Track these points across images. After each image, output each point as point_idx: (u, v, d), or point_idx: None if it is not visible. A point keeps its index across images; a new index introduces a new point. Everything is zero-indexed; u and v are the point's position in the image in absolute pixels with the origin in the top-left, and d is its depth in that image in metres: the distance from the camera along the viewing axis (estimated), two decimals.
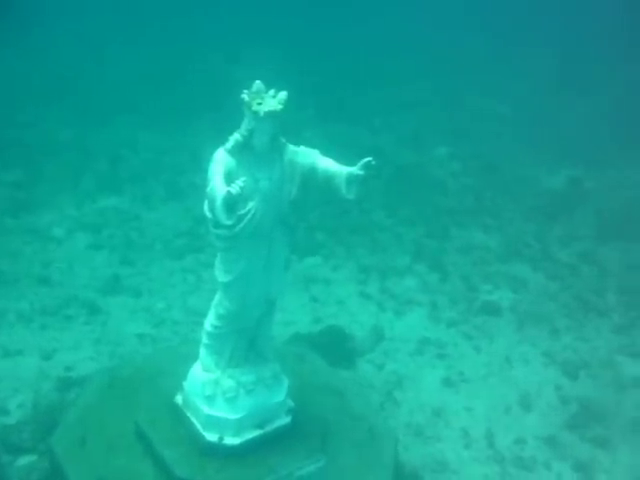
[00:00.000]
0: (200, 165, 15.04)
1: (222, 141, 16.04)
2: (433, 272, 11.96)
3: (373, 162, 6.02)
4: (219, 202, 5.54)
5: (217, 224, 6.09)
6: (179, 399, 7.16)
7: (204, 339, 6.92)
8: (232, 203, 5.58)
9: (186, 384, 7.07)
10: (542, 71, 21.66)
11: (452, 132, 16.85)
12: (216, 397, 6.81)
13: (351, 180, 6.14)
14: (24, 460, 7.57)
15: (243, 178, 5.55)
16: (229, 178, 5.85)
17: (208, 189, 5.79)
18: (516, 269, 12.19)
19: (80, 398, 7.85)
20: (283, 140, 6.22)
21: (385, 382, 9.52)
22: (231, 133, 6.13)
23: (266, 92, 5.91)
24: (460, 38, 23.36)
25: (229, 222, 5.67)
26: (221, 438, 6.74)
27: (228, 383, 6.79)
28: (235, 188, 5.43)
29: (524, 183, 15.17)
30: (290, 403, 7.18)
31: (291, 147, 6.29)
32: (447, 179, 14.82)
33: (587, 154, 16.47)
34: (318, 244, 12.31)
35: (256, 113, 5.78)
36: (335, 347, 9.63)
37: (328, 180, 6.26)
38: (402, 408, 9.08)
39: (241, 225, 5.86)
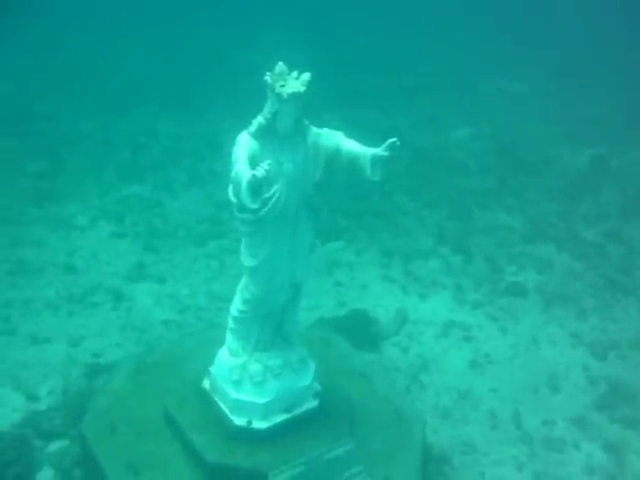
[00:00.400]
0: (220, 151, 15.20)
1: (240, 127, 16.00)
2: (457, 254, 11.87)
3: (397, 143, 5.96)
4: (244, 186, 5.51)
5: (242, 208, 6.06)
6: (206, 384, 7.20)
7: (230, 323, 6.92)
8: (257, 186, 5.56)
9: (213, 369, 7.09)
10: (557, 51, 21.35)
11: (470, 113, 16.66)
12: (243, 381, 6.82)
13: (376, 161, 6.08)
14: (55, 445, 7.64)
15: (268, 161, 5.51)
16: (253, 162, 5.82)
17: (233, 173, 5.76)
18: (541, 250, 12.06)
19: (108, 384, 7.90)
20: (306, 122, 6.17)
21: (410, 365, 9.48)
22: (249, 119, 6.10)
23: (289, 74, 5.86)
24: (472, 19, 23.08)
25: (254, 206, 5.64)
26: (249, 422, 6.76)
27: (255, 367, 6.80)
28: (260, 171, 5.40)
29: (546, 163, 14.99)
30: (317, 387, 7.18)
31: (314, 129, 6.24)
32: (468, 160, 14.68)
33: (609, 133, 16.26)
34: (341, 228, 12.26)
35: (279, 95, 5.74)
36: (360, 331, 9.60)
37: (352, 162, 6.21)
38: (428, 391, 9.04)
39: (266, 209, 5.83)
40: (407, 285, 11.07)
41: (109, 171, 13.90)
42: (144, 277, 10.80)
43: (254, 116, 5.93)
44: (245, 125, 6.13)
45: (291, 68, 5.90)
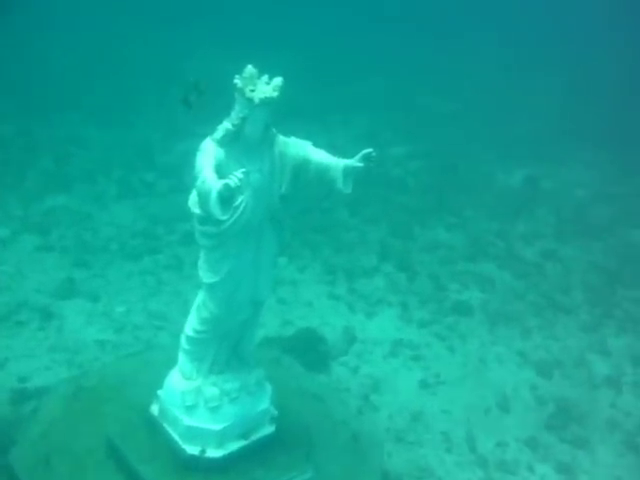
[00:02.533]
0: (152, 162, 14.50)
1: (172, 138, 15.44)
2: (401, 272, 11.70)
3: (374, 153, 5.69)
4: (214, 196, 5.08)
5: (204, 220, 5.64)
6: (154, 409, 6.68)
7: (184, 344, 6.43)
8: (228, 197, 5.14)
9: (163, 393, 6.58)
10: (489, 70, 21.82)
11: (406, 131, 16.69)
12: (198, 407, 6.36)
13: (348, 173, 5.80)
14: None
15: (242, 169, 5.11)
16: (218, 170, 5.41)
17: (198, 182, 5.31)
18: (482, 268, 12.07)
19: (40, 411, 7.22)
20: (274, 130, 5.81)
21: (361, 385, 9.20)
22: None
23: (259, 78, 5.49)
24: (406, 38, 23.35)
25: (224, 217, 5.21)
26: (203, 451, 6.32)
27: (211, 391, 6.35)
28: (234, 180, 4.99)
29: (482, 181, 15.15)
30: (274, 411, 6.80)
31: (281, 138, 5.90)
32: (407, 178, 14.62)
33: (539, 153, 16.65)
34: None
35: (250, 100, 5.36)
36: (309, 350, 9.27)
37: (322, 173, 5.89)
38: (381, 412, 8.77)
39: (230, 221, 5.41)
40: (353, 303, 10.80)
41: (32, 180, 13.02)
42: (74, 294, 10.07)
43: (225, 119, 5.50)
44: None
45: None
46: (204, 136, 5.86)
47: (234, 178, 4.99)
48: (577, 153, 16.85)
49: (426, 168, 15.03)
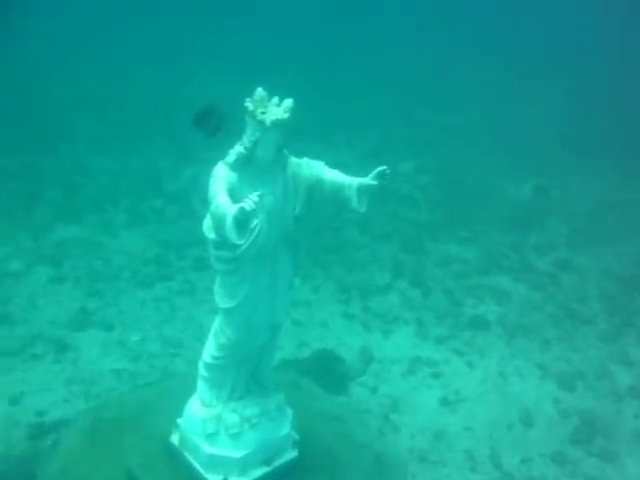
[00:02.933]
0: (160, 188, 14.49)
1: (180, 163, 15.39)
2: (415, 288, 11.61)
3: (388, 171, 5.65)
4: (229, 220, 5.03)
5: (219, 245, 5.59)
6: (175, 439, 6.60)
7: (202, 371, 6.35)
8: (244, 221, 5.08)
9: (182, 422, 6.50)
10: (490, 83, 21.85)
11: (413, 146, 16.66)
12: (219, 434, 6.28)
13: (362, 191, 5.75)
14: None
15: (257, 192, 5.06)
16: (231, 195, 5.36)
17: (212, 207, 5.26)
18: (497, 281, 11.96)
19: (59, 445, 7.15)
20: (286, 152, 5.77)
21: (380, 405, 9.07)
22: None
23: (269, 100, 5.46)
24: (406, 53, 23.47)
25: (241, 242, 5.15)
26: (226, 479, 6.19)
27: (231, 418, 6.26)
28: (249, 204, 4.94)
29: (492, 194, 15.07)
30: (295, 435, 6.70)
31: (294, 159, 5.87)
32: (416, 193, 14.56)
33: (546, 163, 16.56)
34: None
35: (262, 123, 5.32)
36: (326, 372, 9.16)
37: (336, 193, 5.85)
38: (402, 432, 8.63)
39: (246, 245, 5.35)
40: (368, 321, 10.69)
41: (42, 212, 12.99)
42: (89, 324, 9.99)
43: (237, 143, 5.46)
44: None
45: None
46: (210, 161, 5.84)
47: (249, 202, 4.94)
48: (582, 161, 16.76)
49: (434, 183, 14.97)
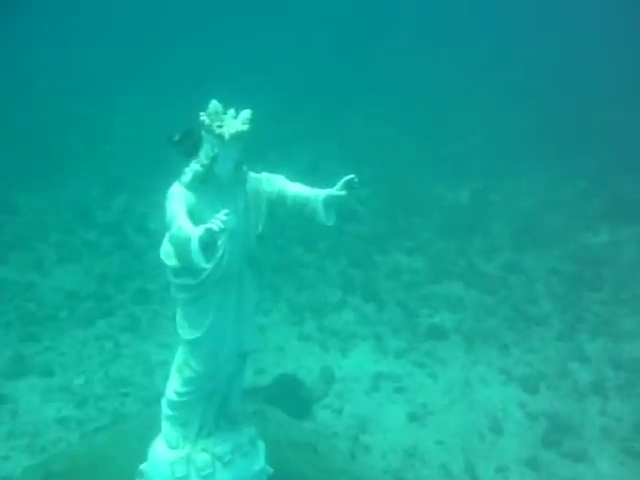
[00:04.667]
0: (91, 220, 13.73)
1: (108, 193, 14.58)
2: (368, 302, 11.34)
3: (356, 179, 5.35)
4: (195, 244, 4.58)
5: (179, 272, 5.14)
6: None
7: (166, 410, 5.84)
8: (210, 243, 4.65)
9: (147, 467, 5.94)
10: (416, 91, 21.96)
11: (349, 160, 16.42)
12: (189, 477, 5.76)
13: (330, 203, 5.44)
14: None
15: (225, 210, 4.62)
16: (190, 216, 4.93)
17: (173, 231, 4.80)
18: (449, 288, 11.83)
19: None
20: (244, 168, 5.39)
21: (348, 427, 8.74)
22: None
23: (225, 112, 5.07)
24: (336, 68, 23.48)
25: (208, 266, 4.72)
26: None
27: (202, 458, 5.76)
28: (217, 223, 4.50)
29: (431, 201, 15.02)
30: (269, 469, 6.23)
31: (253, 174, 5.49)
32: (356, 206, 14.34)
33: (480, 168, 16.64)
34: None
35: (220, 137, 4.91)
36: (289, 398, 8.75)
37: (300, 207, 5.51)
38: (373, 453, 8.32)
39: (210, 269, 4.93)
40: (325, 341, 10.35)
41: None
42: (26, 371, 9.23)
43: (192, 161, 5.02)
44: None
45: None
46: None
47: (216, 221, 4.51)
48: (516, 164, 16.93)
49: (374, 195, 14.78)
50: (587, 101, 20.84)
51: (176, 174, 5.46)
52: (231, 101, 5.10)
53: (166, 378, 9.13)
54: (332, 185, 5.61)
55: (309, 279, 11.92)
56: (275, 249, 12.17)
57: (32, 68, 22.63)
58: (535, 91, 21.62)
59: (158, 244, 13.05)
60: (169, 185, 5.39)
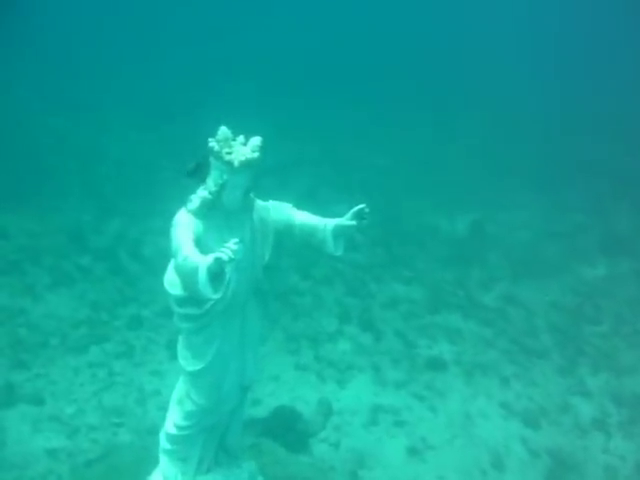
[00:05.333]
0: (84, 245, 13.50)
1: (101, 217, 14.26)
2: (365, 332, 11.14)
3: (367, 209, 5.26)
4: (203, 274, 4.43)
5: (183, 302, 4.99)
6: None
7: (165, 444, 5.65)
8: (219, 273, 4.50)
9: None
10: (409, 122, 22.04)
11: (345, 188, 16.40)
12: None
13: (339, 233, 5.34)
14: None
15: (235, 239, 4.48)
16: (197, 245, 4.79)
17: (179, 260, 4.65)
18: (447, 319, 11.67)
19: None
20: (252, 195, 5.27)
21: (345, 461, 8.51)
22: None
23: (234, 139, 4.96)
24: (331, 98, 23.57)
25: (217, 296, 4.56)
26: None
27: None
28: (227, 253, 4.36)
29: (428, 231, 14.92)
30: None
31: (260, 203, 5.36)
32: (353, 234, 14.15)
33: (477, 198, 16.61)
34: None
35: (229, 164, 4.79)
36: (286, 431, 8.52)
37: (308, 237, 5.40)
38: None
39: (214, 300, 4.77)
40: (322, 371, 10.12)
41: None
42: (15, 400, 8.89)
43: (200, 188, 4.90)
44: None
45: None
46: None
47: (226, 251, 4.36)
48: (511, 195, 16.95)
49: (371, 223, 14.54)
50: (584, 133, 21.00)
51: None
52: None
53: (159, 408, 9.11)
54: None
55: (305, 307, 11.71)
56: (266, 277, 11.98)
57: (23, 89, 22.49)
58: (530, 123, 21.75)
59: (152, 271, 12.91)
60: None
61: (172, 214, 5.20)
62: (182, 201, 5.33)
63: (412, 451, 8.75)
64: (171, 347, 10.06)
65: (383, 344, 10.91)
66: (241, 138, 4.98)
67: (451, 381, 10.14)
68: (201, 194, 4.92)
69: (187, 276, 4.59)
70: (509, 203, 16.57)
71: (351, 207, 5.45)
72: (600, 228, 15.23)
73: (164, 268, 5.24)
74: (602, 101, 24.23)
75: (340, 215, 5.54)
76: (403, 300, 12.18)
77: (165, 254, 13.46)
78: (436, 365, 10.40)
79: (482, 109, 22.37)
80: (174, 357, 9.65)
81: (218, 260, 4.36)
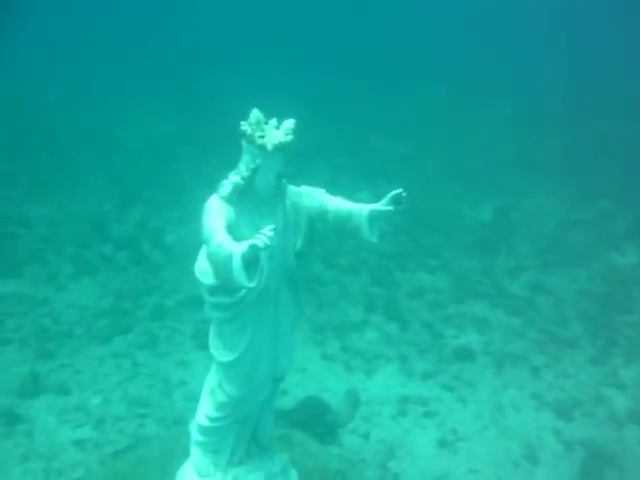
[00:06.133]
0: (106, 234, 13.43)
1: (123, 206, 14.13)
2: (391, 322, 10.97)
3: (404, 194, 5.06)
4: (237, 261, 4.26)
5: (215, 290, 4.83)
6: None
7: (197, 436, 5.50)
8: (254, 261, 4.34)
9: None
10: (434, 109, 21.78)
11: (366, 176, 16.18)
12: None
13: (375, 219, 5.15)
14: None
15: (271, 226, 4.31)
16: (229, 232, 4.62)
17: (212, 247, 4.47)
18: (474, 308, 11.45)
19: None
20: (284, 181, 5.09)
21: (376, 453, 8.34)
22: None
23: (266, 122, 4.78)
24: (352, 84, 23.35)
25: (252, 284, 4.39)
26: None
27: None
28: (262, 239, 4.19)
29: (452, 219, 14.68)
30: None
31: (293, 188, 5.18)
32: (390, 220, 13.94)
33: (501, 185, 16.39)
34: None
35: (262, 147, 4.62)
36: (315, 422, 8.39)
37: (342, 223, 5.21)
38: None
39: (250, 287, 4.60)
40: (349, 361, 9.97)
41: None
42: (42, 390, 8.86)
43: (231, 173, 4.73)
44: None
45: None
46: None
47: (262, 237, 4.19)
48: (535, 181, 16.62)
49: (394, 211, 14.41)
50: (608, 118, 20.59)
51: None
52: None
53: (186, 398, 9.01)
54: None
55: (330, 297, 11.55)
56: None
57: (42, 81, 22.53)
58: (553, 108, 21.38)
59: (175, 260, 12.78)
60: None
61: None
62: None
63: (442, 443, 8.56)
64: (197, 337, 9.99)
65: (409, 334, 10.73)
66: (274, 121, 4.80)
67: (480, 371, 9.94)
68: (233, 179, 4.75)
69: (221, 264, 4.42)
70: (533, 190, 16.25)
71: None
72: (627, 215, 14.86)
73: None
74: (628, 84, 23.75)
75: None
76: (429, 289, 11.98)
77: (186, 243, 13.43)
78: (464, 355, 10.20)
79: (506, 95, 22.09)
80: (200, 347, 9.84)
81: (253, 247, 4.19)
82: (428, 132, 19.59)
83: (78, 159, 16.60)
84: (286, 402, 8.76)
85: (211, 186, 6.62)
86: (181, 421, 8.44)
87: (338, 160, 16.87)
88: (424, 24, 31.97)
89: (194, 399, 8.63)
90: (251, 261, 4.33)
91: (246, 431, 5.58)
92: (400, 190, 5.06)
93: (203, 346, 9.94)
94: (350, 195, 5.53)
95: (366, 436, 8.61)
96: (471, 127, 19.75)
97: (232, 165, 5.13)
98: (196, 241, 4.83)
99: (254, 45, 27.25)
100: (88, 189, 15.07)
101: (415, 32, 30.34)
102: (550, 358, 10.31)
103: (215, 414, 5.32)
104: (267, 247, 4.20)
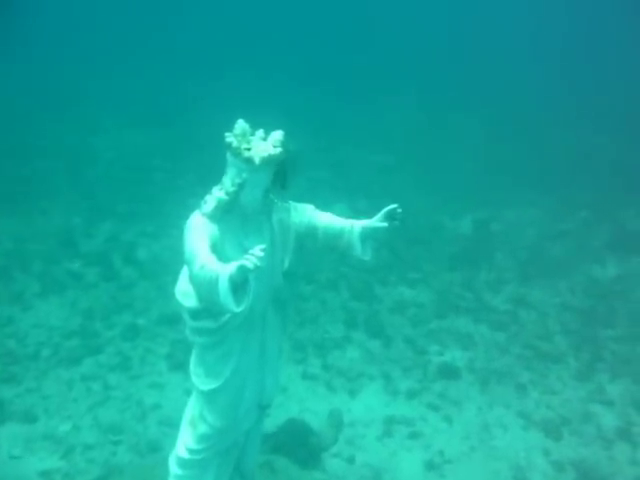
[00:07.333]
0: (75, 250, 12.89)
1: (92, 220, 13.61)
2: (373, 339, 10.62)
3: (399, 209, 4.77)
4: (224, 284, 3.91)
5: (197, 314, 4.48)
6: None
7: (176, 469, 5.13)
8: (241, 283, 3.99)
9: None
10: (409, 120, 21.62)
11: (344, 188, 15.93)
12: None
13: (367, 236, 4.85)
14: None
15: (262, 245, 3.97)
16: (213, 251, 4.28)
17: (195, 269, 4.12)
18: (457, 323, 11.15)
19: None
20: (271, 196, 4.77)
21: (361, 478, 7.99)
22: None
23: (252, 134, 4.46)
24: (328, 97, 23.16)
25: (239, 308, 4.05)
26: None
27: None
28: (252, 260, 3.84)
29: (432, 231, 14.41)
30: None
31: (280, 204, 4.86)
32: (382, 236, 13.62)
33: (480, 197, 16.15)
34: None
35: (249, 161, 4.29)
36: (297, 446, 8.00)
37: (332, 240, 4.93)
38: None
39: (235, 313, 4.25)
40: (331, 381, 9.58)
41: None
42: (5, 417, 8.32)
43: (214, 188, 4.38)
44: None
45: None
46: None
47: (251, 258, 3.85)
48: (515, 192, 16.45)
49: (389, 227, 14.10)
50: (588, 129, 20.65)
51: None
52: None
53: (160, 423, 8.56)
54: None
55: (310, 313, 11.17)
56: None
57: (10, 89, 21.83)
58: (533, 119, 21.39)
59: (147, 276, 12.24)
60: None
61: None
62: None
63: (430, 465, 8.23)
64: (171, 357, 9.58)
65: (392, 351, 10.39)
66: (260, 132, 4.48)
67: (465, 389, 9.64)
68: (217, 194, 4.40)
69: (205, 286, 4.06)
70: (513, 201, 16.06)
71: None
72: (607, 226, 14.78)
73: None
74: (607, 96, 23.91)
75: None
76: (410, 304, 11.67)
77: (160, 258, 12.87)
78: (449, 372, 9.89)
79: (485, 106, 22.01)
80: (175, 367, 9.40)
81: (242, 268, 3.84)
82: (407, 143, 19.35)
83: (45, 170, 15.99)
84: (267, 425, 8.32)
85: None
86: (156, 447, 8.02)
87: (314, 172, 16.52)
88: (403, 34, 31.98)
89: (169, 424, 8.31)
90: (239, 284, 3.98)
91: (229, 463, 5.22)
92: (395, 205, 4.79)
93: (178, 366, 9.58)
94: (327, 208, 5.24)
95: (351, 460, 8.24)
96: (450, 138, 19.59)
97: (209, 178, 4.81)
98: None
99: (230, 55, 26.99)
100: (56, 202, 14.47)
101: (394, 42, 30.30)
102: (535, 374, 10.05)
103: (196, 446, 4.95)
104: (257, 268, 3.86)
